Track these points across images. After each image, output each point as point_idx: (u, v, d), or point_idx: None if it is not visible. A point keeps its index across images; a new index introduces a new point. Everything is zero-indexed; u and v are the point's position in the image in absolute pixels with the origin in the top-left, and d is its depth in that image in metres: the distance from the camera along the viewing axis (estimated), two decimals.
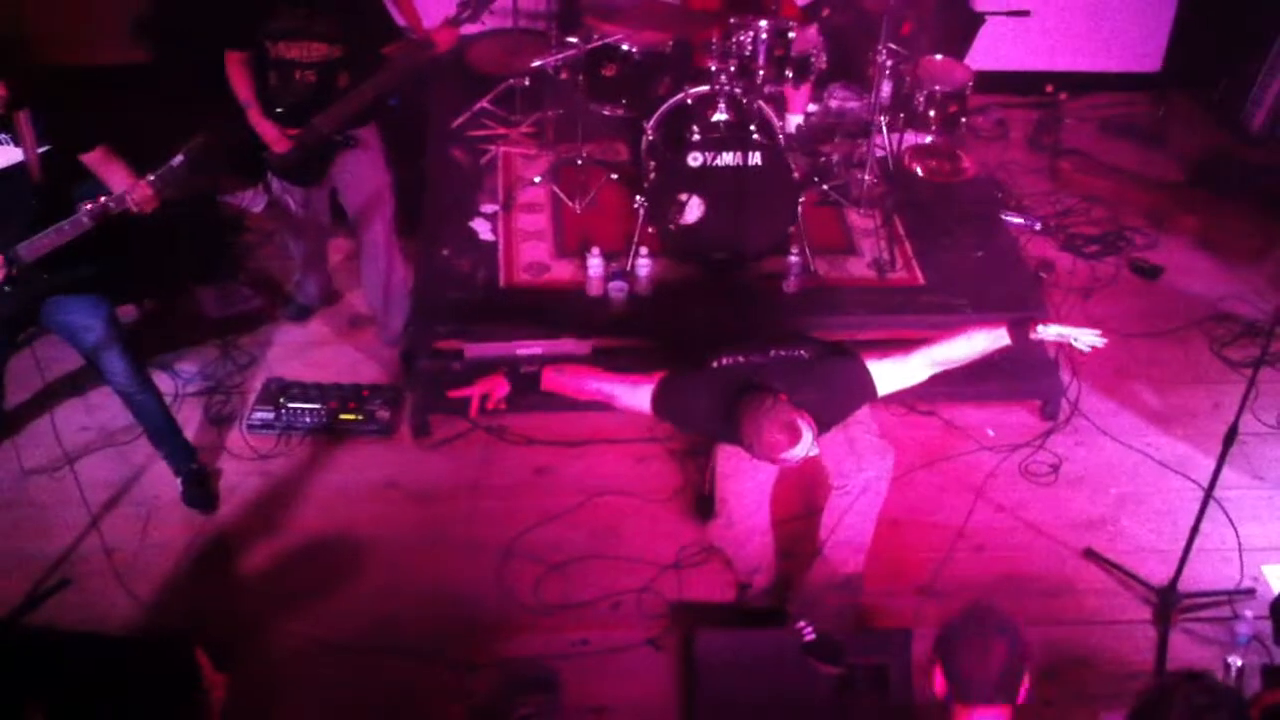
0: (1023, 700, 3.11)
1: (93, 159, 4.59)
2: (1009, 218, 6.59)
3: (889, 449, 4.60)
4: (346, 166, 5.45)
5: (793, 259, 5.66)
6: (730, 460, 4.49)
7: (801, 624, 4.28)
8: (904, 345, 4.37)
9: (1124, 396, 5.76)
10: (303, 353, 5.95)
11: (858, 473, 4.49)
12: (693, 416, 4.41)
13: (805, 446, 4.05)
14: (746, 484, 4.53)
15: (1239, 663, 4.38)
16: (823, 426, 4.18)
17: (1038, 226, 6.64)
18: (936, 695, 3.17)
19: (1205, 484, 4.57)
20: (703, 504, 5.00)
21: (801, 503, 5.02)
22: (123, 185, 4.45)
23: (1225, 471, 4.49)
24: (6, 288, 4.48)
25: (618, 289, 5.63)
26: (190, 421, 5.44)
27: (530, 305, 5.69)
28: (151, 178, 4.40)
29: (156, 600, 4.75)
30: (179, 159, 4.39)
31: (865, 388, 4.30)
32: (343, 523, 5.10)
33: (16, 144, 4.41)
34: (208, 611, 4.71)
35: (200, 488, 5.16)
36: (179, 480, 5.16)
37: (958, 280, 5.83)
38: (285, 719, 4.39)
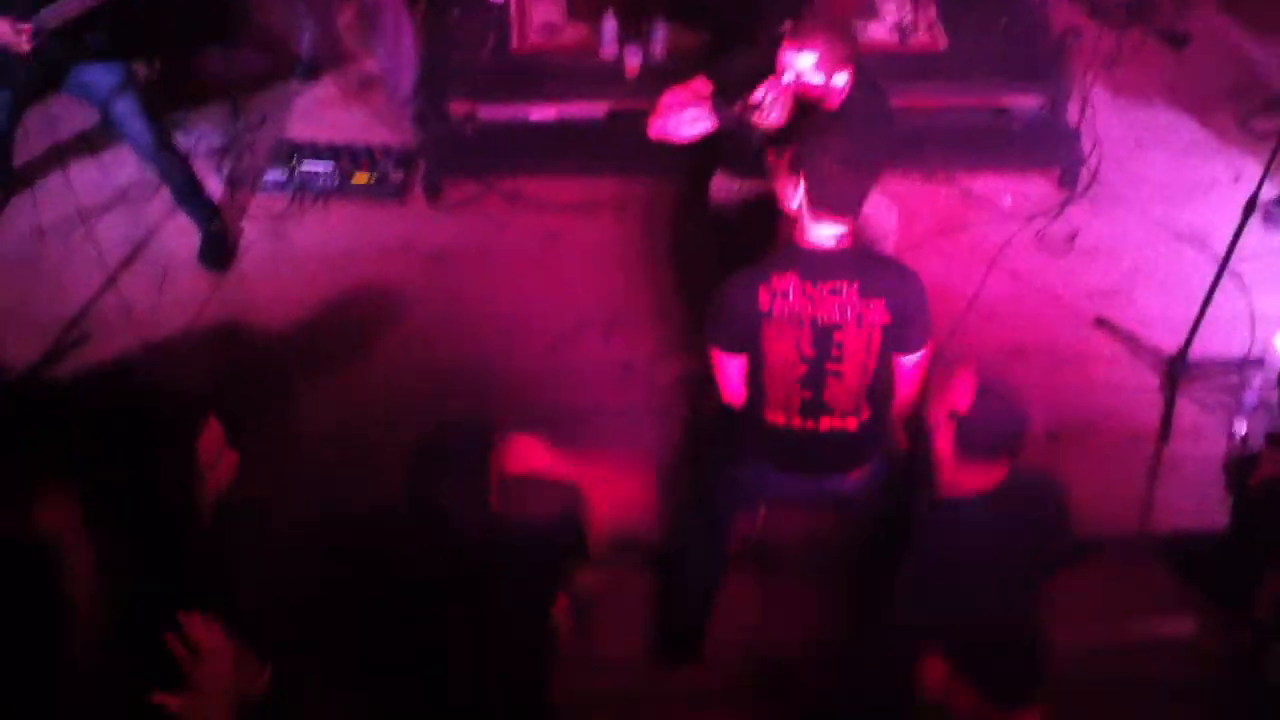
0: None
1: None
2: None
3: (892, 206, 4.55)
4: None
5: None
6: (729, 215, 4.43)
7: None
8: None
9: (1144, 166, 5.68)
10: (313, 113, 5.88)
11: (864, 229, 4.44)
12: (741, 57, 4.33)
13: (807, 60, 4.01)
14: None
15: (1244, 429, 4.44)
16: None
17: None
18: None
19: (1221, 255, 4.55)
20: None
21: None
22: None
23: (1242, 242, 4.47)
24: (31, 55, 4.42)
25: (633, 53, 5.51)
26: (203, 182, 5.41)
27: (543, 68, 5.58)
28: None
29: (173, 356, 4.81)
30: None
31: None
32: (354, 284, 5.12)
33: None
34: (221, 368, 4.78)
35: (218, 246, 5.18)
36: (198, 237, 5.17)
37: (981, 46, 5.68)
38: (288, 474, 4.43)
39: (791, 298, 3.55)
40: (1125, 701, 3.89)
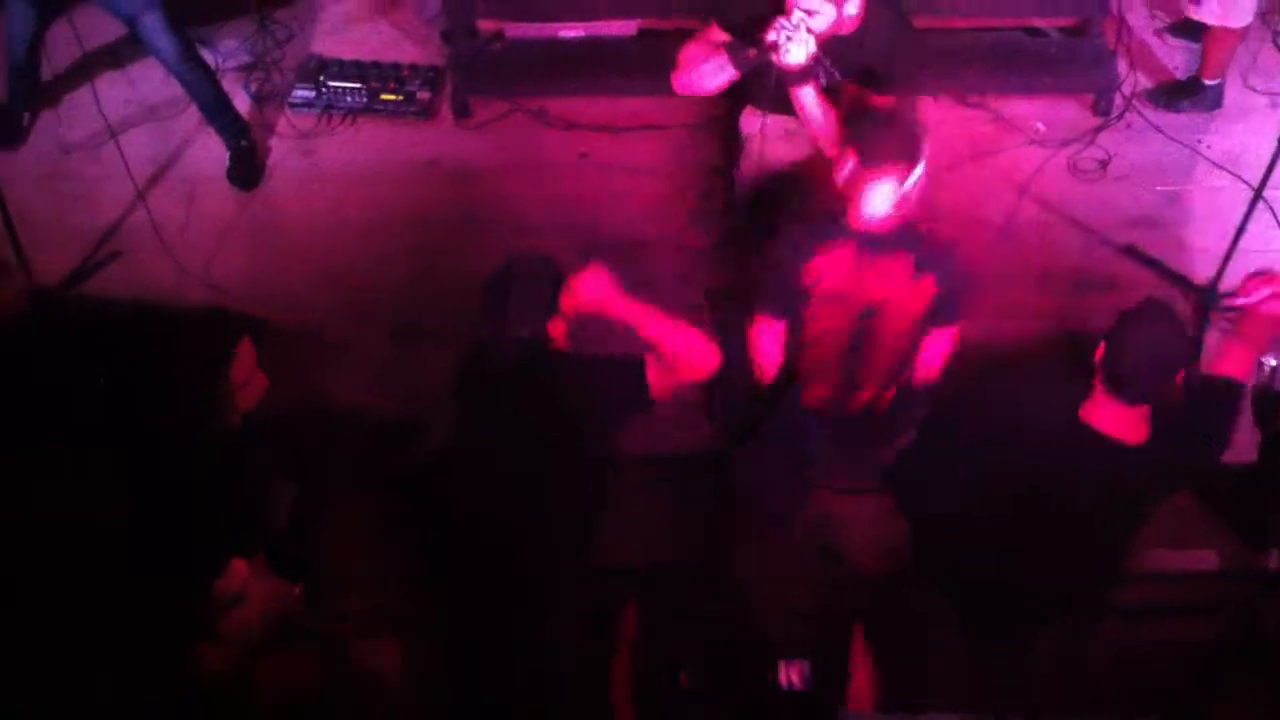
0: None
1: None
2: None
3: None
4: None
5: None
6: (759, 149, 4.41)
7: None
8: None
9: None
10: (341, 29, 5.84)
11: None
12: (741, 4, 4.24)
13: None
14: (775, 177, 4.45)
15: (1274, 362, 4.40)
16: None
17: None
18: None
19: (1256, 184, 4.50)
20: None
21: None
22: None
23: (1277, 171, 4.41)
24: None
25: None
26: (230, 99, 5.40)
27: None
28: None
29: (203, 273, 4.83)
30: None
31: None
32: (383, 201, 5.12)
33: None
34: (249, 284, 4.80)
35: (246, 164, 5.18)
36: (226, 155, 5.16)
37: None
38: (318, 391, 4.48)
39: (839, 275, 3.55)
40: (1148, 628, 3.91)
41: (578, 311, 3.42)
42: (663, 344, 3.37)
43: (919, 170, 3.58)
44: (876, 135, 3.64)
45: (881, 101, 4.01)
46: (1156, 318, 3.26)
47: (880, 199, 3.59)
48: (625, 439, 3.54)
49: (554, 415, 3.39)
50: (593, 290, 3.42)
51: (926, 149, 3.63)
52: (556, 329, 3.40)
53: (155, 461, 3.24)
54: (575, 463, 3.43)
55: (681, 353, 3.37)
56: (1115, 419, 3.23)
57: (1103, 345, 3.22)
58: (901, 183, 3.58)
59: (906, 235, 3.63)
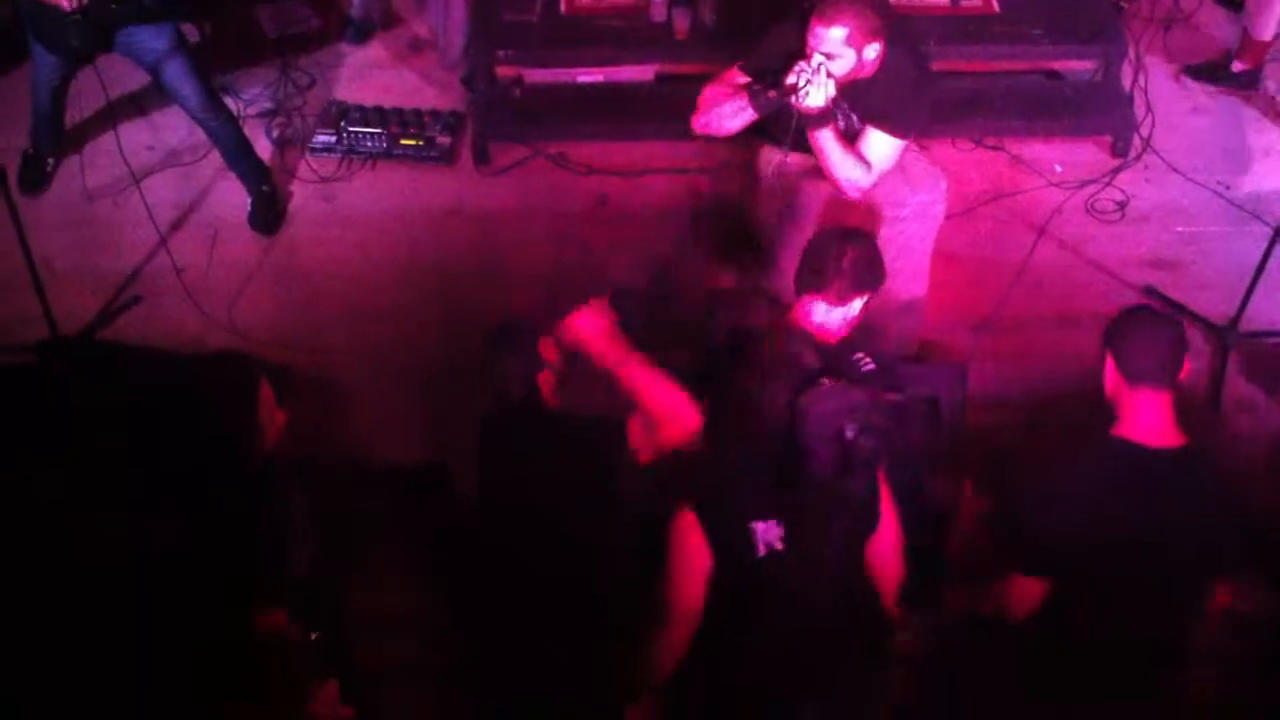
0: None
1: None
2: None
3: (941, 174, 4.51)
4: None
5: None
6: (776, 188, 4.43)
7: (859, 355, 4.30)
8: None
9: (1198, 132, 5.62)
10: (363, 75, 5.90)
11: (912, 197, 4.42)
12: (769, 39, 4.30)
13: (836, 36, 3.96)
14: (792, 216, 4.47)
15: None
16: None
17: None
18: (1105, 390, 3.21)
19: (1275, 223, 4.50)
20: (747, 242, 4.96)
21: None
22: None
23: None
24: (78, 16, 4.46)
25: (681, 14, 5.47)
26: (252, 144, 5.44)
27: (591, 30, 5.55)
28: None
29: (225, 318, 4.86)
30: None
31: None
32: (404, 247, 5.15)
33: None
34: (271, 329, 4.82)
35: (268, 209, 5.22)
36: (249, 200, 5.21)
37: (1033, 8, 5.59)
38: (340, 436, 4.49)
39: None
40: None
41: (566, 348, 3.42)
42: (644, 396, 3.32)
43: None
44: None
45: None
46: (1138, 312, 3.34)
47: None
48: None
49: (560, 471, 3.39)
50: (588, 327, 3.41)
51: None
52: (545, 381, 3.41)
53: (185, 504, 3.25)
54: (592, 514, 3.42)
55: (662, 408, 3.31)
56: (1150, 422, 3.16)
57: (1109, 361, 3.20)
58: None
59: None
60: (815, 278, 3.66)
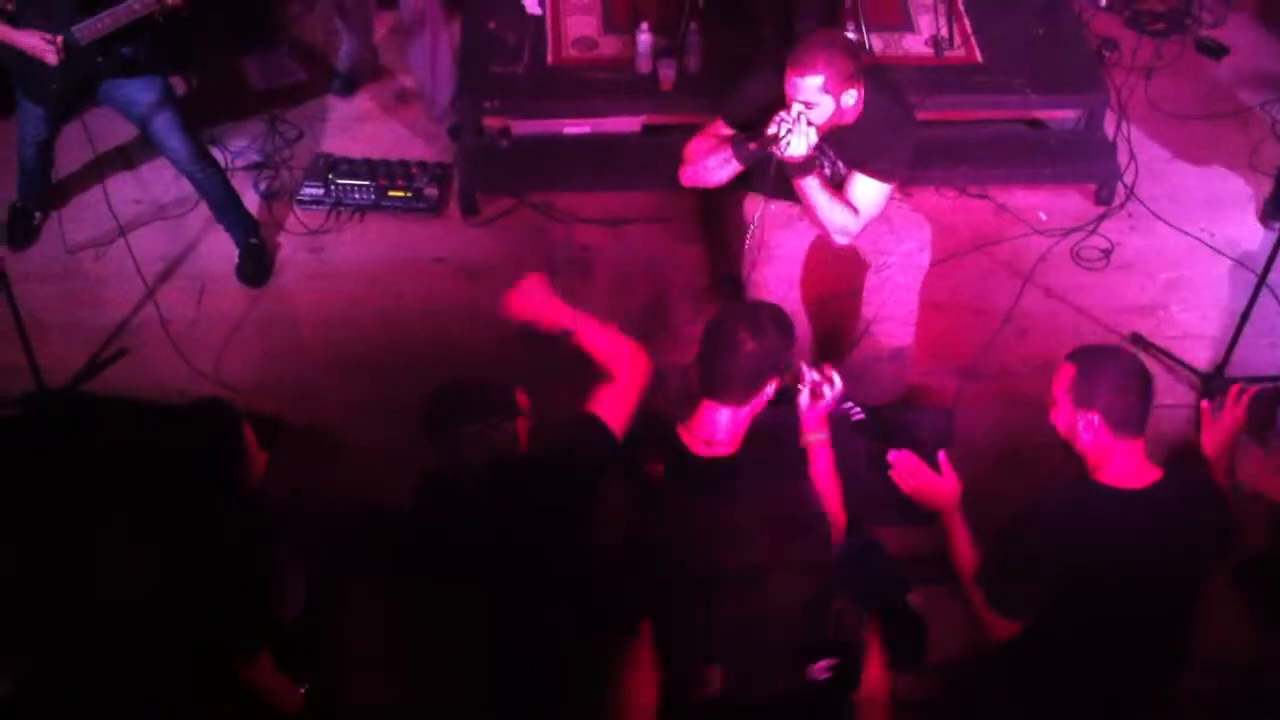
0: None
1: None
2: None
3: (925, 222, 4.52)
4: None
5: (849, 35, 5.51)
6: (760, 236, 4.43)
7: (849, 405, 4.30)
8: None
9: (1182, 180, 5.65)
10: (350, 128, 5.92)
11: (897, 245, 4.44)
12: (749, 90, 4.33)
13: (812, 85, 3.98)
14: (777, 264, 4.48)
15: None
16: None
17: (1103, 3, 6.40)
18: (1082, 444, 3.27)
19: (1259, 270, 4.52)
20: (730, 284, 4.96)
21: (844, 282, 4.98)
22: None
23: None
24: (66, 69, 4.48)
25: (667, 66, 5.51)
26: (240, 197, 5.45)
27: (578, 82, 5.59)
28: None
29: (212, 369, 4.85)
30: None
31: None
32: (392, 297, 5.16)
33: None
34: (259, 381, 4.82)
35: (255, 261, 5.22)
36: (236, 252, 5.21)
37: (1017, 58, 5.65)
38: (329, 484, 4.46)
39: None
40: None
41: (514, 320, 3.63)
42: (597, 347, 3.53)
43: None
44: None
45: None
46: (1105, 352, 3.45)
47: None
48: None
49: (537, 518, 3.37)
50: (531, 301, 3.61)
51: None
52: (521, 428, 3.41)
53: (174, 545, 3.23)
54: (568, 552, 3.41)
55: (615, 354, 3.51)
56: (1136, 466, 3.23)
57: (1096, 419, 3.24)
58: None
59: None
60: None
